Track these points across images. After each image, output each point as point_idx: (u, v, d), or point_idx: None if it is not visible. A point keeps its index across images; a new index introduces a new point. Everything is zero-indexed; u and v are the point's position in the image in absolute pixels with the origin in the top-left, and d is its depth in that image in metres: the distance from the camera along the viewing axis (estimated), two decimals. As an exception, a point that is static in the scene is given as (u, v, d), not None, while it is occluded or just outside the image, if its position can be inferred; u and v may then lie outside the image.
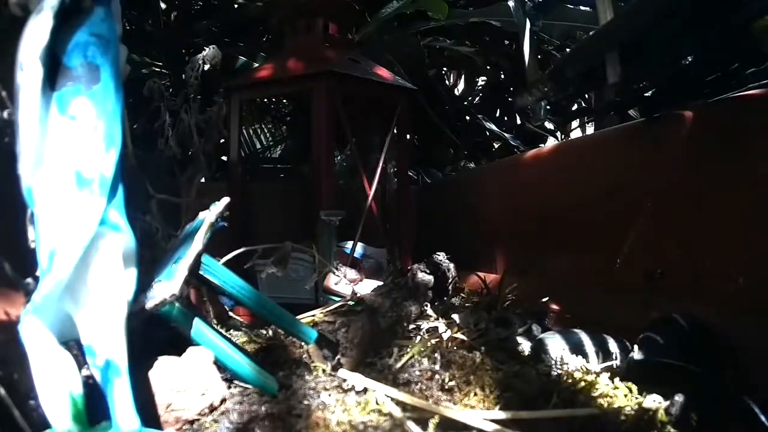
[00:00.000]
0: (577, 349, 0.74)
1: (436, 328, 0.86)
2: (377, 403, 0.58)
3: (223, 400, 0.60)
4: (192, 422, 0.57)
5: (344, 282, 1.18)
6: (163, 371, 0.58)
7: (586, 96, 2.43)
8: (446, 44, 2.36)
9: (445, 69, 2.80)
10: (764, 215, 0.71)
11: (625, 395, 0.61)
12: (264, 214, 1.62)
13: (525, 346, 0.82)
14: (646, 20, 0.87)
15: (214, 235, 0.65)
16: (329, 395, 0.62)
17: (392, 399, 0.59)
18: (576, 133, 2.78)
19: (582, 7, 1.91)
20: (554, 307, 1.01)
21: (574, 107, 2.58)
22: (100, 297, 0.48)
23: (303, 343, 0.76)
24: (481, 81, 2.89)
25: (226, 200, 0.68)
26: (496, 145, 2.61)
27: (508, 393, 0.62)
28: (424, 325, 0.87)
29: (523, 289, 1.09)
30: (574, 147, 1.36)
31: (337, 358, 0.73)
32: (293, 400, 0.60)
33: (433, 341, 0.79)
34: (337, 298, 1.14)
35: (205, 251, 0.64)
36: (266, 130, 3.14)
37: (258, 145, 3.04)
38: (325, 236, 1.32)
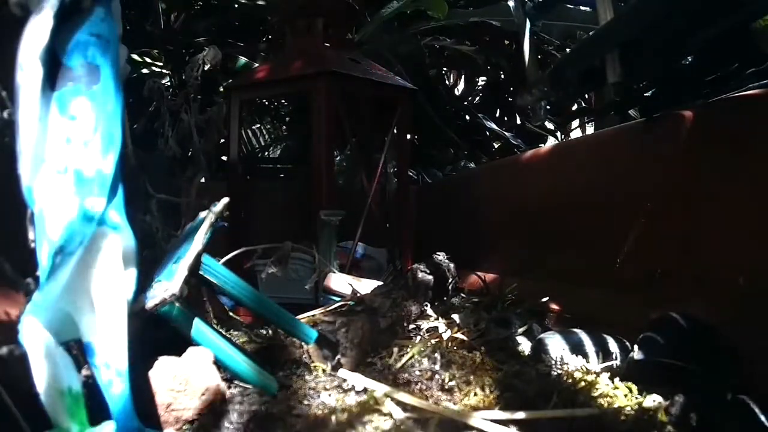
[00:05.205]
0: (577, 349, 0.74)
1: (436, 328, 0.86)
2: (377, 403, 0.58)
3: (223, 400, 0.60)
4: (192, 422, 0.57)
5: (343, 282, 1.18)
6: (163, 371, 0.58)
7: (586, 96, 2.43)
8: (446, 44, 2.37)
9: (445, 69, 2.80)
10: (764, 215, 0.71)
11: (625, 395, 0.61)
12: (264, 214, 1.63)
13: (525, 346, 0.82)
14: (646, 20, 0.87)
15: (214, 235, 0.65)
16: (329, 395, 0.62)
17: (392, 399, 0.59)
18: (576, 133, 2.78)
19: (582, 7, 1.91)
20: (554, 307, 1.01)
21: (574, 107, 2.58)
22: (100, 297, 0.48)
23: (303, 343, 0.76)
24: (481, 81, 2.89)
25: (226, 200, 0.68)
26: (496, 145, 2.62)
27: (508, 393, 0.62)
28: (424, 325, 0.87)
29: (523, 289, 1.09)
30: (574, 147, 1.37)
31: (337, 358, 0.73)
32: (293, 400, 0.60)
33: (433, 341, 0.79)
34: (337, 298, 1.14)
35: (205, 251, 0.64)
36: (266, 130, 3.14)
37: (258, 145, 3.05)
38: (325, 236, 1.32)
